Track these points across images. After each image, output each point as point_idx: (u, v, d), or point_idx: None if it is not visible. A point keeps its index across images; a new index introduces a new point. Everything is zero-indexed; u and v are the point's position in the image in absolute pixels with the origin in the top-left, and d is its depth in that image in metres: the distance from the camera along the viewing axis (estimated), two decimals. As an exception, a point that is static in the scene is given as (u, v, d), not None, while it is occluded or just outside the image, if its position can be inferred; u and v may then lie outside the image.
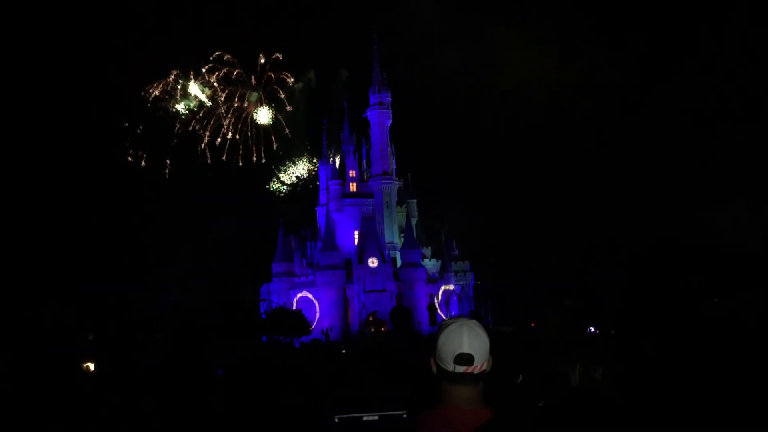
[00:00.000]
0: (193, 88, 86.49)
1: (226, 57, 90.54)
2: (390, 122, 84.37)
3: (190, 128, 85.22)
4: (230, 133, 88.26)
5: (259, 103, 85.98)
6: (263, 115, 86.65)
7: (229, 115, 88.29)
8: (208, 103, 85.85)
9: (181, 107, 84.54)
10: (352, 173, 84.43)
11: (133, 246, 66.34)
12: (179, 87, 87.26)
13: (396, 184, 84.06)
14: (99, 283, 51.87)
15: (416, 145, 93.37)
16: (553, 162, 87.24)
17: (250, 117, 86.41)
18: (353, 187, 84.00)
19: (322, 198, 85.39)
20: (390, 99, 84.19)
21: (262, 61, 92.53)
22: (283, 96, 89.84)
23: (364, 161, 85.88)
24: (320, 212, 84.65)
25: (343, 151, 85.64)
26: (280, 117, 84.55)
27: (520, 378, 3.38)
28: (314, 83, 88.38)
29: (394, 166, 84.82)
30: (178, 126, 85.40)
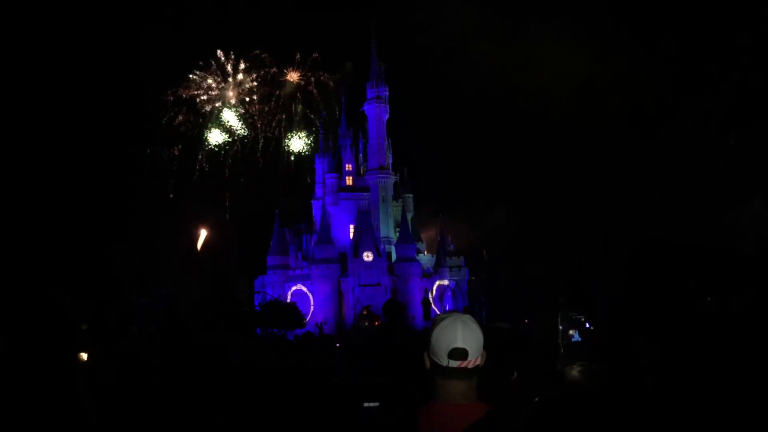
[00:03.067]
0: (228, 114, 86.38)
1: (263, 55, 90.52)
2: (387, 117, 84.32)
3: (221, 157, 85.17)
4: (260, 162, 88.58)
5: (294, 127, 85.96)
6: (297, 143, 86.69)
7: (261, 141, 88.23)
8: (243, 132, 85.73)
9: (215, 137, 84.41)
10: (348, 167, 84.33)
11: (126, 238, 66.15)
12: (213, 103, 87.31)
13: (392, 179, 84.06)
14: (93, 274, 51.73)
15: (413, 140, 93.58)
16: (555, 159, 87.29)
17: (284, 145, 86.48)
18: (349, 180, 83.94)
19: (318, 191, 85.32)
20: (387, 93, 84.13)
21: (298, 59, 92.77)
22: (319, 99, 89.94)
23: (361, 155, 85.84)
24: (316, 205, 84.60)
25: (339, 144, 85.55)
26: (317, 124, 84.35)
27: (515, 375, 3.37)
28: (351, 75, 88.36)
29: (391, 161, 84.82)
30: (202, 156, 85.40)
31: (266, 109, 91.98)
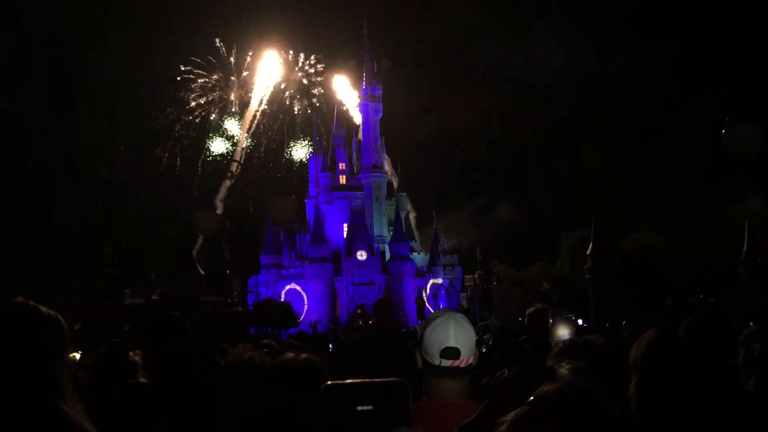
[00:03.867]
0: (231, 125, 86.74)
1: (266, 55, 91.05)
2: (380, 115, 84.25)
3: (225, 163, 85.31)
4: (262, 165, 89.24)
5: (297, 135, 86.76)
6: (299, 152, 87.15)
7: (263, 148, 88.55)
8: (246, 144, 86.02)
9: (217, 146, 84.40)
10: (341, 166, 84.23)
11: (118, 236, 65.90)
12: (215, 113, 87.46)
13: (385, 178, 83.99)
14: (84, 272, 51.54)
15: (407, 138, 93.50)
16: (549, 156, 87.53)
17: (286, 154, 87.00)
18: (343, 179, 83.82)
19: (312, 190, 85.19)
20: (381, 92, 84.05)
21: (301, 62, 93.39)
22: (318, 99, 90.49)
23: (354, 154, 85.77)
24: (309, 204, 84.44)
25: (333, 143, 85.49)
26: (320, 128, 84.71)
27: (506, 372, 3.36)
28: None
29: (384, 159, 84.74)
30: (203, 163, 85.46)
31: (269, 111, 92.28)
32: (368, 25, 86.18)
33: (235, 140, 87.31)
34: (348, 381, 2.06)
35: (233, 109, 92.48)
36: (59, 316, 2.08)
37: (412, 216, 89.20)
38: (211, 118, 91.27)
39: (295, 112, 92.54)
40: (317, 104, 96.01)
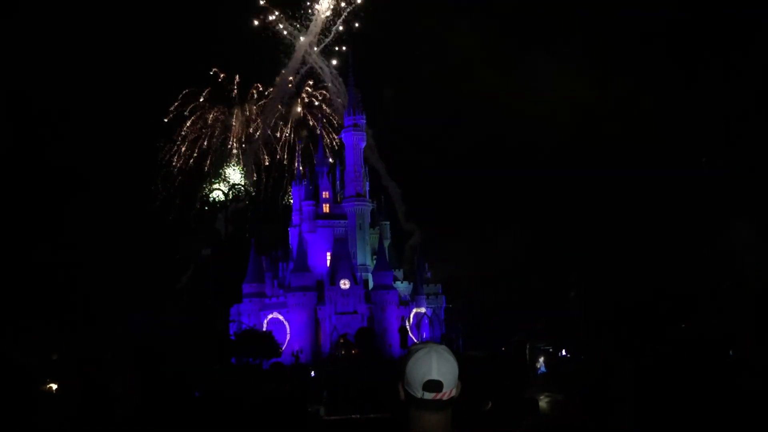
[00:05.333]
0: (233, 173, 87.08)
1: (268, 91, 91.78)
2: (364, 144, 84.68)
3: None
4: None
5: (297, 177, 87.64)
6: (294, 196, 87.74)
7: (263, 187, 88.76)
8: (250, 190, 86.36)
9: (217, 193, 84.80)
10: (325, 194, 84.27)
11: (99, 265, 65.28)
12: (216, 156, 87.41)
13: (369, 206, 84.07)
14: (63, 302, 50.97)
15: (404, 166, 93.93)
16: (533, 184, 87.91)
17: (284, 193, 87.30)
18: (326, 208, 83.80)
19: (295, 219, 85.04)
20: (364, 121, 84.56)
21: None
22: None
23: (338, 182, 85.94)
24: (293, 233, 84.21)
25: (316, 172, 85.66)
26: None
27: (490, 404, 3.35)
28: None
29: (368, 188, 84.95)
30: (200, 202, 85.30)
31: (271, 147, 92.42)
32: (352, 56, 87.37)
33: (236, 189, 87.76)
34: (341, 416, 2.05)
35: (234, 150, 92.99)
36: (31, 368, 2.05)
37: (415, 241, 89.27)
38: (207, 164, 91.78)
39: (297, 160, 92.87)
40: (312, 126, 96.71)
